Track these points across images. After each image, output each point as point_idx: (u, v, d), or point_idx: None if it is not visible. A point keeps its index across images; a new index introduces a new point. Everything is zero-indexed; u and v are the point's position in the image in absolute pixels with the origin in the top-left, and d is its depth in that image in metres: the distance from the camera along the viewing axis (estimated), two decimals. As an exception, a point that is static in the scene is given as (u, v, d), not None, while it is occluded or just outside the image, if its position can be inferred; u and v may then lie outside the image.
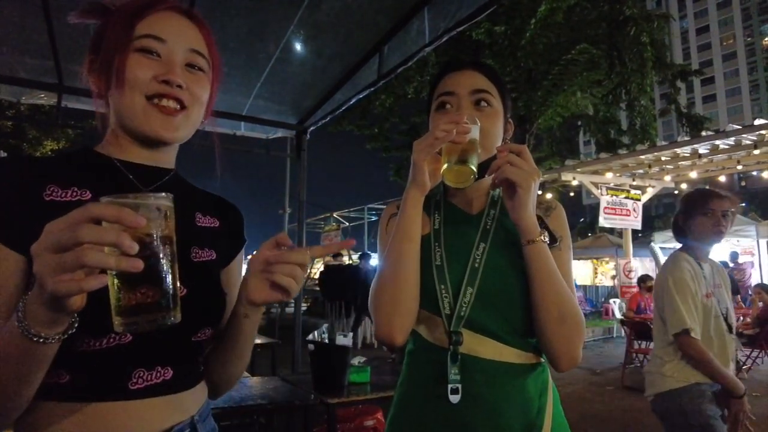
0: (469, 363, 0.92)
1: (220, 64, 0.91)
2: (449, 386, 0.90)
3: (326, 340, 2.16)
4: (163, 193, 0.58)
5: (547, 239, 0.92)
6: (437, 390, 0.91)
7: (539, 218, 1.02)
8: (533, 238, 0.90)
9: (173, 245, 0.57)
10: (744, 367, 6.50)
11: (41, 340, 0.54)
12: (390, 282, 0.94)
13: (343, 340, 2.11)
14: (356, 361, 2.28)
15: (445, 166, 0.89)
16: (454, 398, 0.89)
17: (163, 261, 0.55)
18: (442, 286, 0.95)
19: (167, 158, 0.87)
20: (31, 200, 0.70)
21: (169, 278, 0.56)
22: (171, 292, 0.56)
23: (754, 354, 6.54)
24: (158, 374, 0.74)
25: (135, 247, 0.50)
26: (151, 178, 0.83)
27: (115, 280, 0.53)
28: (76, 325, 0.56)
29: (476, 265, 0.95)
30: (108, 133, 0.84)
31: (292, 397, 2.07)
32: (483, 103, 1.02)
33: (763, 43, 67.91)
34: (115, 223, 0.50)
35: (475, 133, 0.89)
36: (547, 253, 0.91)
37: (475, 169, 0.88)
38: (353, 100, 3.45)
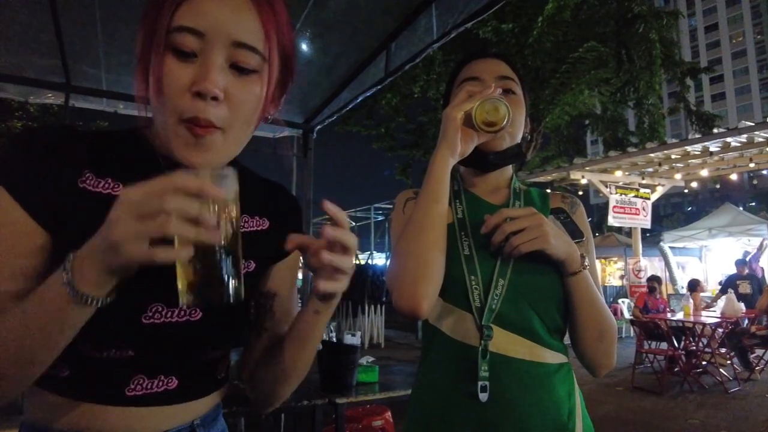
0: (499, 363, 0.86)
1: (293, 55, 0.73)
2: (479, 383, 0.84)
3: (334, 340, 2.14)
4: (230, 169, 0.58)
5: (587, 265, 0.89)
6: (465, 387, 0.85)
7: (563, 211, 1.02)
8: (576, 270, 0.87)
9: (239, 221, 0.59)
10: (757, 368, 6.42)
11: (87, 301, 0.53)
12: (416, 244, 0.86)
13: (351, 339, 2.09)
14: (364, 360, 2.26)
15: (478, 103, 0.86)
16: (483, 396, 0.84)
17: (233, 236, 0.56)
18: (473, 278, 0.89)
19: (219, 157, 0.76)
20: (64, 181, 0.65)
21: (238, 253, 0.58)
22: (238, 268, 0.58)
23: (766, 355, 6.45)
24: (161, 383, 0.69)
25: (214, 220, 0.52)
26: None
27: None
28: (114, 293, 0.56)
29: (507, 258, 0.89)
30: (156, 127, 0.72)
31: (301, 397, 2.05)
32: (509, 92, 0.98)
33: (773, 40, 67.22)
34: (197, 195, 0.50)
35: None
36: (589, 280, 0.89)
37: (511, 112, 0.86)
38: (360, 98, 3.43)
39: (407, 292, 0.84)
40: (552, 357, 0.89)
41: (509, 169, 1.06)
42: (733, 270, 11.92)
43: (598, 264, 10.88)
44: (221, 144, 0.65)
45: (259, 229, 0.79)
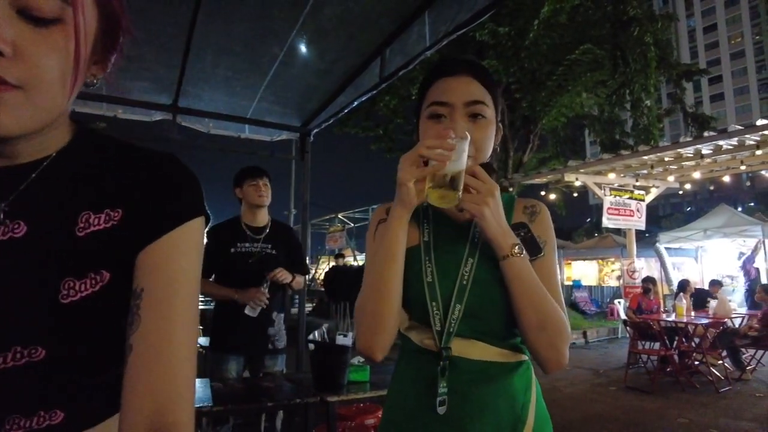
0: (458, 363, 0.95)
1: (119, 1, 0.59)
2: (438, 399, 0.93)
3: (327, 340, 2.21)
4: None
5: (521, 252, 0.93)
6: (427, 401, 0.94)
7: (524, 225, 1.05)
8: (505, 254, 0.93)
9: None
10: (748, 368, 6.49)
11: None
12: (372, 301, 0.96)
13: (343, 339, 2.15)
14: (356, 360, 2.33)
15: (430, 185, 0.91)
16: (442, 410, 0.93)
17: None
18: (434, 303, 0.97)
19: (32, 147, 0.59)
20: None
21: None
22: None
23: (759, 355, 6.52)
24: (42, 419, 0.57)
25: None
26: (10, 184, 0.58)
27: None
28: None
29: (464, 282, 0.97)
30: None
31: (293, 396, 2.12)
32: (478, 116, 0.99)
33: (772, 41, 67.33)
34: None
35: (463, 148, 0.89)
36: (520, 265, 0.93)
37: (459, 194, 0.90)
38: (356, 103, 3.49)
39: (364, 343, 0.97)
40: (507, 356, 0.98)
41: None
42: (726, 271, 12.00)
43: (595, 264, 10.89)
44: (23, 105, 0.52)
45: (106, 226, 0.61)
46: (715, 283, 8.38)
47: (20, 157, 0.59)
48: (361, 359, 2.33)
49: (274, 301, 2.77)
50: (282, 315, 2.86)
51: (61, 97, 0.55)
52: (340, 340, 2.16)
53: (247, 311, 2.61)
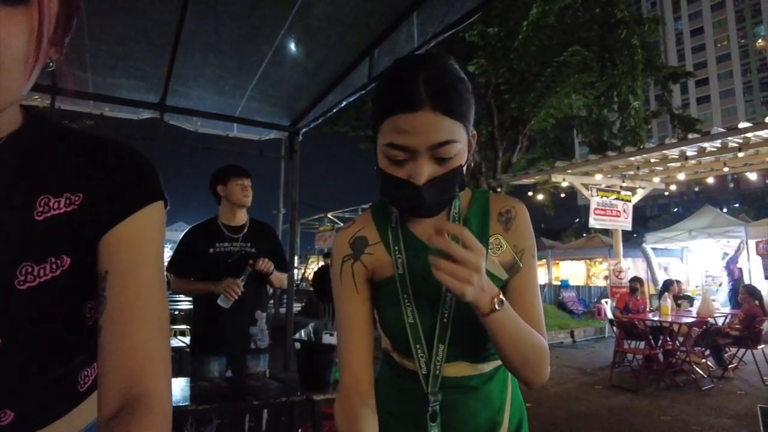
0: (442, 382, 0.95)
1: None
2: None
3: (313, 339, 2.22)
4: None
5: (502, 304, 0.82)
6: (415, 427, 0.94)
7: (499, 239, 0.97)
8: (485, 312, 0.81)
9: None
10: (730, 366, 6.60)
11: None
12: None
13: (329, 338, 2.17)
14: (337, 344, 2.34)
15: None
16: None
17: None
18: (418, 346, 0.93)
19: None
20: None
21: None
22: None
23: (740, 353, 6.64)
24: None
25: None
26: None
27: None
28: None
29: (445, 320, 0.92)
30: None
31: (279, 395, 2.12)
32: (446, 159, 0.85)
33: (757, 45, 68.40)
34: None
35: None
36: (502, 318, 0.82)
37: None
38: (344, 103, 3.50)
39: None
40: (488, 365, 0.98)
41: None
42: (711, 271, 12.18)
43: (582, 264, 10.96)
44: None
45: (66, 210, 0.61)
46: (677, 283, 8.53)
47: None
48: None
49: (256, 300, 2.76)
50: (264, 314, 2.84)
51: (23, 79, 0.53)
52: (327, 339, 2.17)
53: (219, 301, 2.56)
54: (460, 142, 0.85)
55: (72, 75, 3.13)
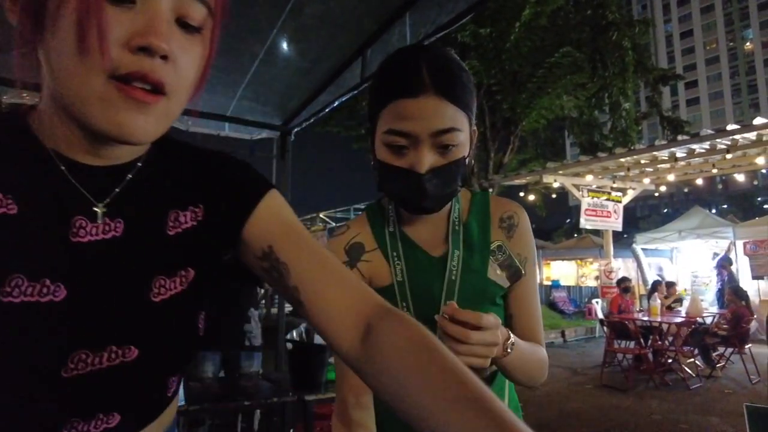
0: None
1: (227, 4, 0.57)
2: None
3: (305, 339, 2.21)
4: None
5: (513, 345, 0.82)
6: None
7: (501, 246, 0.96)
8: (499, 357, 0.81)
9: None
10: (718, 365, 6.68)
11: None
12: None
13: (321, 339, 2.16)
14: (334, 359, 2.34)
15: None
16: None
17: None
18: None
19: (133, 149, 0.59)
20: None
21: None
22: None
23: (728, 353, 6.72)
24: (99, 422, 0.57)
25: None
26: (108, 183, 0.58)
27: None
28: None
29: None
30: (43, 102, 0.55)
31: (271, 395, 2.12)
32: (449, 147, 0.82)
33: (745, 47, 69.24)
34: None
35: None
36: (513, 358, 0.82)
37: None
38: (336, 103, 3.50)
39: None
40: (487, 371, 0.95)
41: (447, 209, 0.98)
42: (700, 271, 12.30)
43: (573, 264, 11.06)
44: (163, 112, 0.51)
45: (191, 225, 0.63)
46: (670, 285, 8.62)
47: (121, 158, 0.59)
48: (339, 358, 2.34)
49: (250, 298, 2.76)
50: (257, 312, 2.85)
51: (185, 104, 0.56)
52: (319, 339, 2.16)
53: None
54: (463, 131, 0.83)
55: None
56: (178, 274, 0.61)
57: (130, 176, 0.59)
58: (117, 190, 0.58)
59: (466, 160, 0.87)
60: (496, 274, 0.94)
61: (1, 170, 0.53)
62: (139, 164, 0.60)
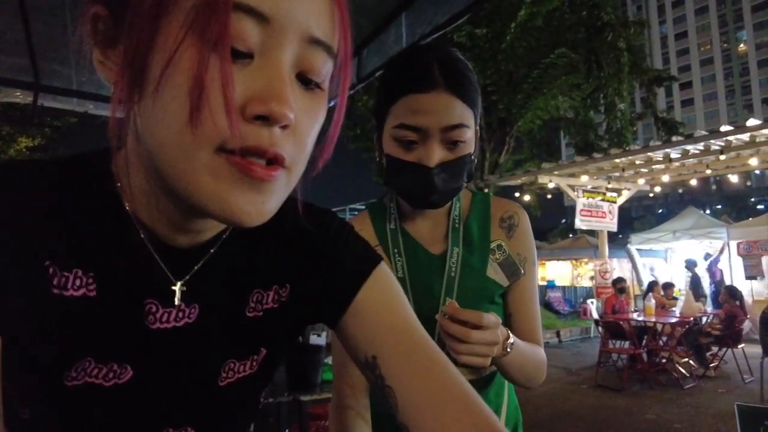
0: None
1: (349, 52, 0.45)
2: None
3: (300, 339, 2.21)
4: None
5: (513, 345, 0.83)
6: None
7: (501, 246, 0.97)
8: (498, 357, 0.82)
9: None
10: (712, 365, 6.71)
11: None
12: None
13: (317, 339, 2.16)
14: (330, 359, 2.34)
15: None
16: None
17: None
18: None
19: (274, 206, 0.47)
20: (28, 286, 0.44)
21: None
22: None
23: (721, 352, 6.75)
24: None
25: None
26: (188, 259, 0.51)
27: None
28: None
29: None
30: (130, 157, 0.46)
31: (266, 395, 2.11)
32: (457, 143, 0.85)
33: (739, 49, 69.67)
34: None
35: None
36: (512, 357, 0.84)
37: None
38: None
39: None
40: (487, 370, 0.96)
41: (448, 207, 1.00)
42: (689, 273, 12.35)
43: (569, 264, 11.09)
44: (283, 188, 0.43)
45: (274, 306, 0.57)
46: (668, 286, 8.66)
47: (205, 231, 0.50)
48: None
49: None
50: None
51: (302, 173, 0.45)
52: (314, 339, 2.16)
53: None
54: (470, 128, 0.86)
55: (54, 71, 3.09)
56: (250, 358, 0.56)
57: (212, 251, 0.52)
58: (197, 266, 0.51)
59: (472, 157, 0.89)
60: (495, 272, 0.95)
61: (84, 241, 0.46)
62: (224, 236, 0.53)
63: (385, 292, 0.57)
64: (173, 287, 0.50)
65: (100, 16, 0.41)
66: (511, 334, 0.83)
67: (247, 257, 0.55)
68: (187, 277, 0.50)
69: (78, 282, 0.46)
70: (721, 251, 10.56)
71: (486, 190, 10.16)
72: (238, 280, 0.54)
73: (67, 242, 0.46)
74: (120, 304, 0.48)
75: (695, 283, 10.13)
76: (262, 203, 0.41)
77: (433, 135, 0.83)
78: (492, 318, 0.76)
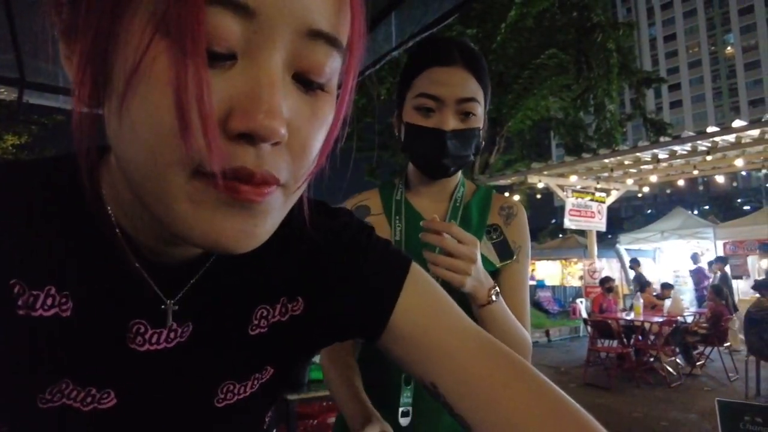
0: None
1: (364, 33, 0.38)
2: (400, 409, 0.90)
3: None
4: None
5: (497, 295, 0.86)
6: (386, 411, 0.86)
7: (496, 228, 1.01)
8: (482, 303, 0.85)
9: None
10: (698, 363, 6.79)
11: None
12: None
13: (305, 338, 2.16)
14: (317, 358, 2.33)
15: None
16: (404, 421, 0.90)
17: None
18: None
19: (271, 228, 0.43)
20: None
21: None
22: None
23: (707, 351, 6.84)
24: None
25: None
26: (180, 275, 0.45)
27: None
28: None
29: None
30: (115, 177, 0.41)
31: (254, 395, 2.11)
32: (469, 115, 0.94)
33: (726, 52, 70.54)
34: None
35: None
36: (496, 310, 0.86)
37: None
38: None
39: None
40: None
41: (455, 179, 1.05)
42: (681, 271, 12.48)
43: (558, 264, 11.18)
44: (279, 205, 0.37)
45: (281, 319, 0.51)
46: (667, 287, 8.74)
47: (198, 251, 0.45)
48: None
49: None
50: None
51: (305, 186, 0.39)
52: (302, 338, 2.16)
53: None
54: (481, 105, 0.96)
55: (40, 68, 3.05)
56: (251, 378, 0.50)
57: (208, 264, 0.46)
58: (192, 281, 0.46)
59: (480, 133, 0.98)
60: (488, 251, 0.99)
61: (59, 255, 0.41)
62: (213, 257, 0.47)
63: (422, 306, 0.51)
64: (163, 306, 0.45)
65: (61, 1, 0.35)
66: (496, 286, 0.87)
67: (248, 270, 0.49)
68: (180, 294, 0.45)
69: (50, 301, 0.40)
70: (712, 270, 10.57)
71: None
72: (239, 296, 0.49)
73: (38, 256, 0.40)
74: (100, 324, 0.43)
75: (698, 277, 10.18)
76: (254, 226, 0.35)
77: (449, 105, 0.93)
78: (470, 236, 0.82)
